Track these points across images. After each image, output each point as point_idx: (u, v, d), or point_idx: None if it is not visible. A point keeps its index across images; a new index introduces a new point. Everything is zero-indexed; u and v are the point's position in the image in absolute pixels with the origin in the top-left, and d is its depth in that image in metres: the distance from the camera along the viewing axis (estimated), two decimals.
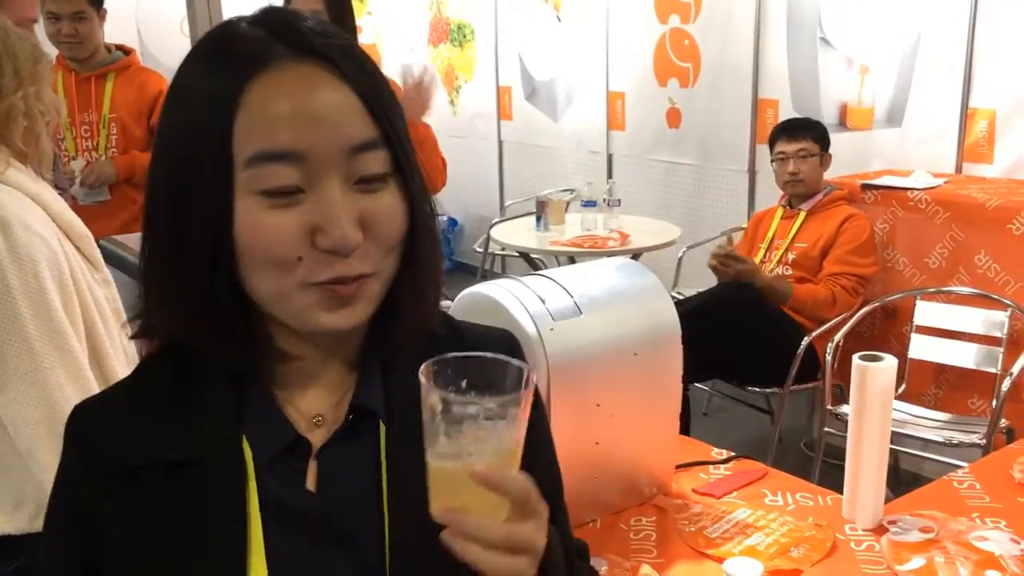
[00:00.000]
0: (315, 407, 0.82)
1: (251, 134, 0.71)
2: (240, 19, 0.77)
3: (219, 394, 0.79)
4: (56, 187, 1.65)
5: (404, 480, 0.79)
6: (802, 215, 3.51)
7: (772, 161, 3.60)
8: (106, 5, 3.22)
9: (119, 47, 3.32)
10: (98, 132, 3.18)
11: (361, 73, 0.75)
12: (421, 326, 0.83)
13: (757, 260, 3.58)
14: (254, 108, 0.72)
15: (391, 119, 0.76)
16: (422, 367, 0.70)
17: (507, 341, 0.90)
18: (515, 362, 0.72)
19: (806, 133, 3.51)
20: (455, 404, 0.68)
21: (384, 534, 0.79)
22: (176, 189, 0.74)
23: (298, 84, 0.72)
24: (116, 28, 3.89)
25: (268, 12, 0.77)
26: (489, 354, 0.72)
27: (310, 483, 0.80)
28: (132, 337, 0.82)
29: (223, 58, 0.74)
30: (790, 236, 3.51)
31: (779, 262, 3.50)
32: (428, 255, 0.80)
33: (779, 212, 3.63)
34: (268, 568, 0.76)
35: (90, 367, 1.51)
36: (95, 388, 1.49)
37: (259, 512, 0.77)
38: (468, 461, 0.68)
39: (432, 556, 0.75)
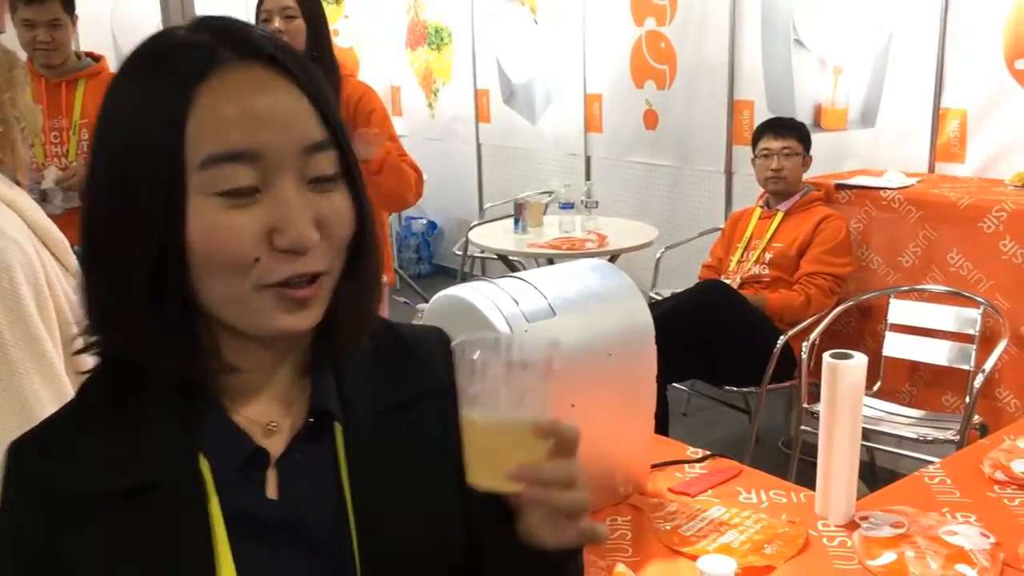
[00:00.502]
0: (268, 414, 0.80)
1: (203, 137, 0.71)
2: (176, 28, 0.76)
3: (169, 410, 0.77)
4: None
5: (367, 480, 0.79)
6: (779, 215, 3.55)
7: (755, 158, 3.63)
8: (80, 10, 3.21)
9: (88, 54, 3.31)
10: (68, 139, 3.17)
11: (307, 75, 0.75)
12: (367, 327, 0.83)
13: (735, 260, 3.61)
14: (204, 111, 0.71)
15: (339, 121, 0.77)
16: (460, 341, 0.74)
17: (440, 339, 0.91)
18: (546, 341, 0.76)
19: (791, 132, 3.56)
20: (513, 367, 0.73)
21: (351, 535, 0.78)
22: (121, 200, 0.72)
23: (248, 85, 0.72)
24: (91, 33, 3.88)
25: (206, 19, 0.76)
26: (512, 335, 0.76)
27: (271, 491, 0.79)
28: (75, 353, 0.80)
29: (166, 67, 0.73)
30: (767, 236, 3.54)
31: (756, 262, 3.53)
32: (372, 257, 0.81)
33: (757, 212, 3.66)
34: None
35: (66, 373, 1.50)
36: (71, 394, 1.48)
37: (224, 527, 0.75)
38: (527, 419, 0.72)
39: (401, 553, 0.78)
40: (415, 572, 0.80)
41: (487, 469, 0.74)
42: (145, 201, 0.71)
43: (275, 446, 0.80)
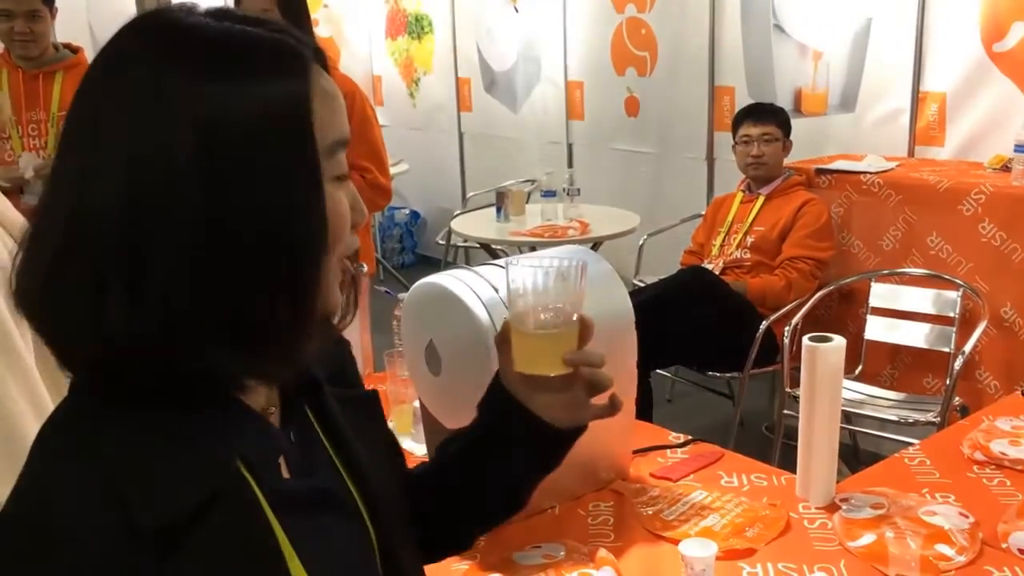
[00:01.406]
0: (263, 399, 0.79)
1: (324, 125, 0.72)
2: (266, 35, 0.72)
3: (195, 410, 0.70)
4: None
5: (345, 445, 0.85)
6: (761, 199, 3.56)
7: (735, 144, 3.64)
8: (58, 2, 3.18)
9: (66, 45, 3.28)
10: (46, 131, 3.15)
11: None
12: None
13: (717, 245, 3.62)
14: (319, 100, 0.72)
15: None
16: (510, 263, 0.93)
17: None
18: (575, 260, 0.93)
19: (771, 118, 3.57)
20: (551, 278, 0.92)
21: (355, 496, 0.84)
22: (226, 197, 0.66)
23: (321, 75, 0.74)
24: (68, 26, 3.84)
25: (274, 24, 0.74)
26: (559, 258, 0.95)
27: (284, 471, 0.78)
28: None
29: (278, 61, 0.70)
30: (749, 220, 3.55)
31: (738, 246, 3.54)
32: None
33: (738, 197, 3.67)
34: (304, 567, 0.72)
35: (37, 369, 1.49)
36: (42, 388, 1.47)
37: (273, 515, 0.72)
38: (567, 328, 0.92)
39: (385, 500, 0.86)
40: (397, 513, 0.89)
41: (539, 359, 0.93)
42: (275, 189, 0.68)
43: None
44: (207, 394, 0.71)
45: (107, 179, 0.66)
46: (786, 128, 3.60)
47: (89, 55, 3.34)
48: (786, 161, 3.64)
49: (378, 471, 0.87)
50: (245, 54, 0.69)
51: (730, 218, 3.64)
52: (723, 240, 3.62)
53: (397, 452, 1.00)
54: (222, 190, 0.66)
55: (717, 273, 3.50)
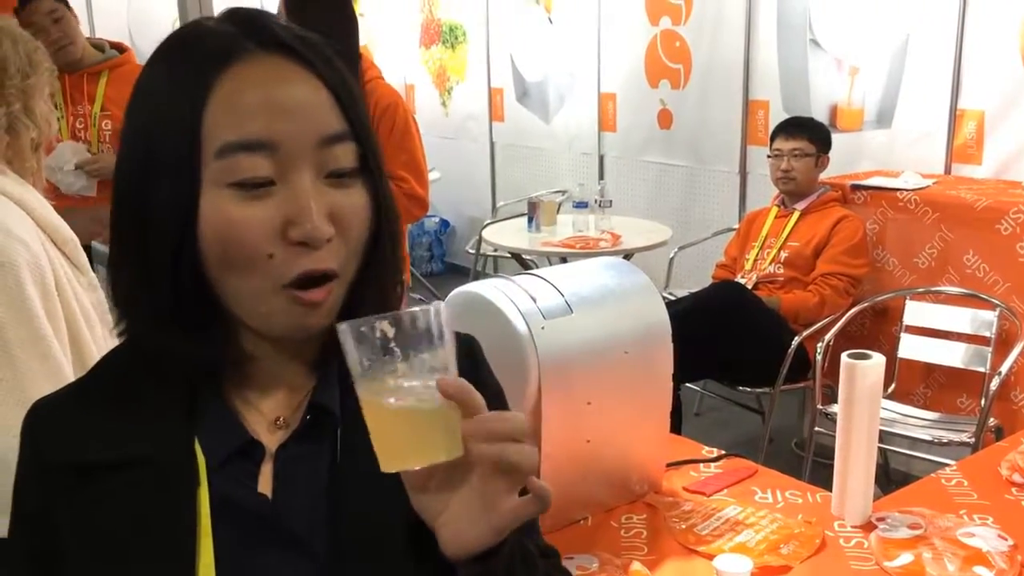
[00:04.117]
0: (277, 409, 0.81)
1: (221, 125, 0.71)
2: (206, 18, 0.77)
3: (173, 394, 0.78)
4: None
5: (353, 482, 0.78)
6: (796, 214, 3.53)
7: (768, 157, 3.62)
8: (96, 3, 3.21)
9: (114, 45, 3.30)
10: (91, 126, 3.18)
11: (330, 68, 0.75)
12: None
13: (751, 259, 3.60)
14: (223, 99, 0.71)
15: (359, 115, 0.76)
16: (342, 327, 0.67)
17: (466, 341, 0.88)
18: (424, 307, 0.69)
19: (803, 132, 3.54)
20: (409, 339, 0.67)
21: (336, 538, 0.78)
22: (142, 183, 0.73)
23: (268, 75, 0.73)
24: (107, 27, 3.89)
25: (234, 10, 0.77)
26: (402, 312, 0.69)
27: (263, 486, 0.78)
28: (120, 335, 0.81)
29: (191, 54, 0.74)
30: (783, 235, 3.53)
31: (772, 261, 3.52)
32: (389, 256, 0.80)
33: (773, 211, 3.65)
34: (216, 570, 0.75)
35: (75, 373, 1.50)
36: None
37: (208, 512, 0.76)
38: (430, 394, 0.67)
39: (375, 562, 0.76)
40: (384, 558, 0.76)
41: (415, 447, 0.67)
42: (162, 186, 0.72)
43: (276, 441, 0.80)
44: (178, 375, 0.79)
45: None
46: (821, 144, 3.56)
47: (135, 58, 3.38)
48: (822, 176, 3.61)
49: (377, 536, 0.76)
50: (168, 49, 0.76)
51: (764, 233, 3.62)
52: (757, 255, 3.60)
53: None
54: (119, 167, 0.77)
55: (750, 288, 3.48)
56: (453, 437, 0.67)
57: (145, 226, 0.73)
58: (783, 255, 3.51)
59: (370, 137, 0.77)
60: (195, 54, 0.73)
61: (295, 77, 0.73)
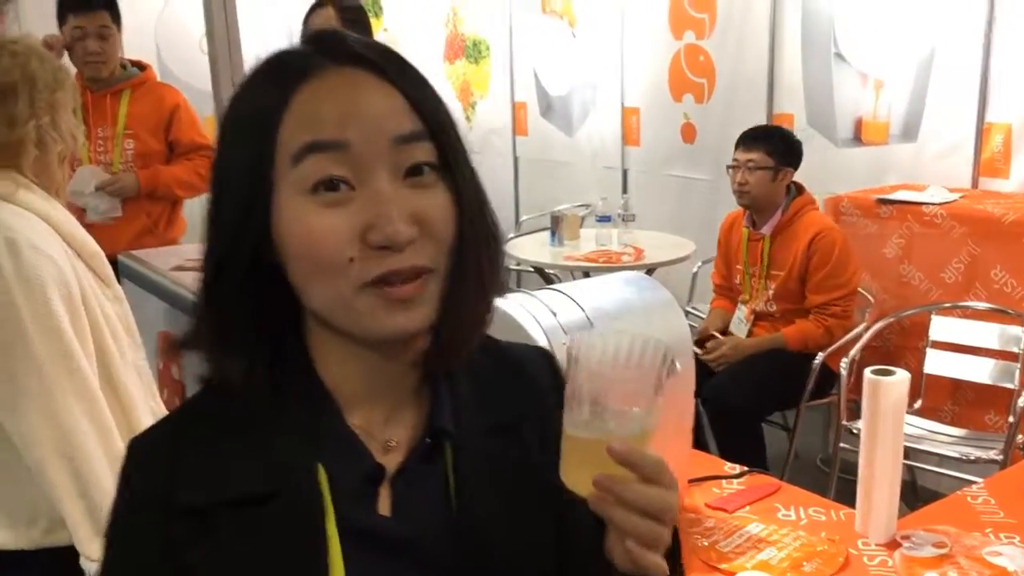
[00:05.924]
0: (387, 431, 0.80)
1: (296, 132, 0.73)
2: (292, 45, 0.80)
3: (293, 421, 0.77)
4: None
5: (472, 503, 0.79)
6: (766, 241, 3.39)
7: (727, 167, 3.47)
8: (124, 20, 3.27)
9: (135, 63, 3.36)
10: (112, 147, 3.22)
11: (404, 73, 0.76)
12: (478, 334, 0.81)
13: (745, 286, 3.51)
14: (298, 111, 0.73)
15: (437, 115, 0.77)
16: (574, 341, 0.71)
17: (545, 357, 0.91)
18: (656, 341, 0.72)
19: (761, 145, 3.33)
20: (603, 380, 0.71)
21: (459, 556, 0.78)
22: (218, 198, 0.76)
23: (341, 86, 0.74)
24: (135, 44, 3.93)
25: (314, 33, 0.79)
26: (634, 334, 0.72)
27: (383, 508, 0.78)
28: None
29: (271, 75, 0.76)
30: (764, 264, 3.40)
31: (763, 297, 3.42)
32: (476, 256, 0.77)
33: (744, 234, 3.49)
34: None
35: (102, 387, 1.51)
36: (104, 409, 1.50)
37: (339, 542, 0.75)
38: (606, 437, 0.71)
39: (508, 562, 0.79)
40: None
41: (575, 470, 0.73)
42: (237, 195, 0.74)
43: (391, 462, 0.79)
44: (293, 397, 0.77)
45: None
46: (781, 156, 3.31)
47: (156, 75, 3.42)
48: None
49: (507, 552, 0.79)
50: (252, 72, 0.78)
51: (744, 257, 3.49)
52: (748, 282, 3.48)
53: (549, 539, 0.82)
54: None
55: (748, 326, 3.42)
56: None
57: (221, 240, 0.75)
58: (770, 289, 3.39)
59: (450, 135, 0.77)
60: (274, 74, 0.76)
61: (367, 85, 0.74)
